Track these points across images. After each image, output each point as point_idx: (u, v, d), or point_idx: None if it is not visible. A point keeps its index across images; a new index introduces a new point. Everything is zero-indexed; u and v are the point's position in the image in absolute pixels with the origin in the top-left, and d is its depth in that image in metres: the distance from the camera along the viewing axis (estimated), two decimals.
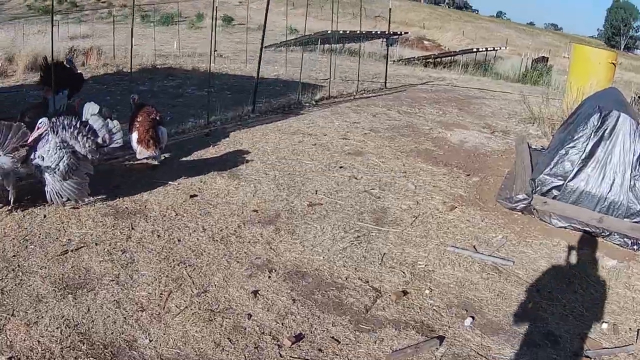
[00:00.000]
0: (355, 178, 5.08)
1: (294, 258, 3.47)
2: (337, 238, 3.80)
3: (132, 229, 3.66)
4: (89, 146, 3.81)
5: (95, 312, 2.72)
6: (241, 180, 4.75)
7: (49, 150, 3.63)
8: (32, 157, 3.66)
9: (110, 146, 3.97)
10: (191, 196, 4.32)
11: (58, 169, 3.65)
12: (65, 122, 3.76)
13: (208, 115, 6.60)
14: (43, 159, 3.63)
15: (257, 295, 3.01)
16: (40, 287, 2.88)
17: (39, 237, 3.41)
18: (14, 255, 3.15)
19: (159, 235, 3.60)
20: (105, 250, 3.32)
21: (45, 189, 3.72)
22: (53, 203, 3.77)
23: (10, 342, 2.46)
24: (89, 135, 3.84)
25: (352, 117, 7.62)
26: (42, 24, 22.36)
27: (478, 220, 4.34)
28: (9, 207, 3.68)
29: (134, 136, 5.14)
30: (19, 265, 3.06)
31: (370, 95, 9.79)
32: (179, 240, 3.56)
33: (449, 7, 69.84)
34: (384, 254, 3.63)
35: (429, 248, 3.77)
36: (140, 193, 4.27)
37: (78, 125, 3.79)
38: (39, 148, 3.68)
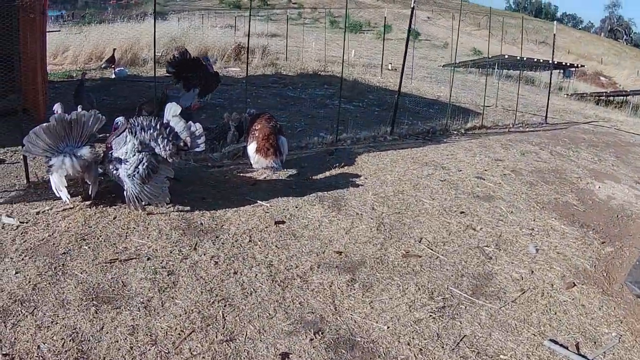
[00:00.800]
0: (473, 229, 4.61)
1: (353, 321, 3.19)
2: (416, 305, 3.40)
3: (194, 249, 3.76)
4: (169, 149, 4.01)
5: (107, 332, 2.83)
6: (341, 212, 4.61)
7: (126, 152, 3.91)
8: (109, 157, 3.98)
9: (193, 150, 4.14)
10: (277, 222, 4.30)
11: (137, 172, 3.91)
12: (145, 123, 4.01)
13: (337, 132, 6.61)
14: (120, 161, 3.93)
15: (285, 359, 2.81)
16: (70, 291, 3.11)
17: (98, 239, 3.72)
18: (64, 253, 3.49)
19: (216, 262, 3.63)
20: (153, 267, 3.47)
21: (124, 193, 4.02)
22: (131, 205, 4.07)
23: (15, 339, 2.70)
24: (170, 138, 4.03)
25: (498, 153, 7.19)
26: (231, 18, 25.28)
27: (595, 306, 3.64)
28: (89, 202, 4.08)
29: (252, 144, 5.34)
30: (63, 264, 3.36)
31: (527, 129, 9.39)
32: (235, 273, 3.54)
33: (626, 44, 71.37)
34: (464, 336, 3.15)
35: (522, 338, 3.20)
36: (224, 209, 4.40)
37: (158, 127, 4.01)
38: (116, 149, 3.99)
